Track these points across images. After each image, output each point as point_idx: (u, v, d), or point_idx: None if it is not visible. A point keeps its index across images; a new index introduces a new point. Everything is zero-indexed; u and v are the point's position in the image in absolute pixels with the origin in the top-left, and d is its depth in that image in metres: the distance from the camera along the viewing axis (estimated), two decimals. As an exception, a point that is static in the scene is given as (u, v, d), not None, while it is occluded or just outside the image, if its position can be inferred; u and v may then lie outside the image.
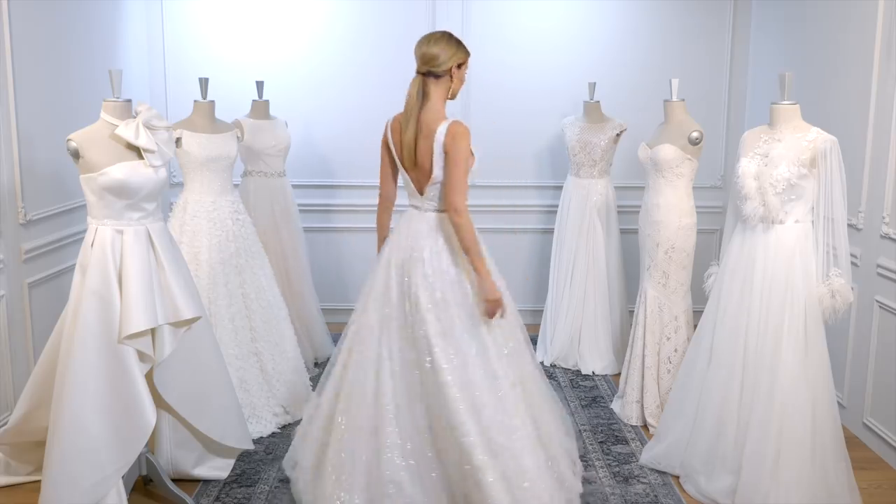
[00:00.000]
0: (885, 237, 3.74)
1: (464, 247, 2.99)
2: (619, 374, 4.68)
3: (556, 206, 5.08)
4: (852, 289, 3.25)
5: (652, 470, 3.61)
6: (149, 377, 3.01)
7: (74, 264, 3.03)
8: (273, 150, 4.63)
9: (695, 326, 3.70)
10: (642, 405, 4.07)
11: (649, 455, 3.65)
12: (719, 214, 5.42)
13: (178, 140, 3.69)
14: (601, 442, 3.91)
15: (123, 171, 2.89)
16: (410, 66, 3.07)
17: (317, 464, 3.14)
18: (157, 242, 2.99)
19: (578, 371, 4.84)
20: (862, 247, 3.90)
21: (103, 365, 2.87)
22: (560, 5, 5.47)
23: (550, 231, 5.16)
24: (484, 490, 2.90)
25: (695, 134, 3.91)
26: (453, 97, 3.11)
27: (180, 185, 4.08)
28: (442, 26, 5.25)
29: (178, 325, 3.01)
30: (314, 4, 5.45)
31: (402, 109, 3.08)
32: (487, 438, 2.93)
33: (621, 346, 4.80)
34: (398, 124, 3.09)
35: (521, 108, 5.47)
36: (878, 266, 3.78)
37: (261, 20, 5.43)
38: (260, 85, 4.74)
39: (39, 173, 3.91)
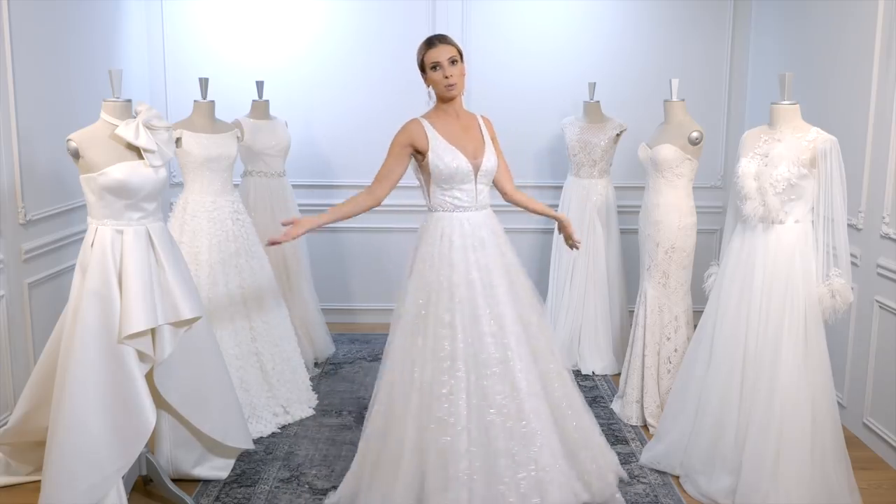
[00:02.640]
0: (885, 237, 3.74)
1: None
2: (619, 374, 4.68)
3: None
4: (852, 289, 3.24)
5: (652, 470, 3.61)
6: (149, 377, 3.01)
7: (74, 264, 3.03)
8: (273, 150, 4.62)
9: (695, 326, 3.70)
10: (642, 405, 4.07)
11: (649, 455, 3.65)
12: (719, 214, 5.42)
13: (178, 140, 3.69)
14: (601, 442, 3.90)
15: (123, 171, 2.89)
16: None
17: None
18: (157, 242, 2.99)
19: (578, 371, 4.84)
20: (862, 247, 3.90)
21: (103, 365, 2.87)
22: (560, 5, 5.47)
23: (550, 231, 5.16)
24: None
25: (695, 134, 3.91)
26: (438, 99, 3.12)
27: (180, 185, 4.08)
28: (442, 26, 5.25)
29: (178, 325, 3.01)
30: (314, 4, 5.45)
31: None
32: None
33: (621, 346, 4.80)
34: None
35: (521, 108, 5.46)
36: (878, 266, 3.78)
37: (261, 20, 5.43)
38: (260, 85, 4.74)
39: (39, 173, 3.91)
